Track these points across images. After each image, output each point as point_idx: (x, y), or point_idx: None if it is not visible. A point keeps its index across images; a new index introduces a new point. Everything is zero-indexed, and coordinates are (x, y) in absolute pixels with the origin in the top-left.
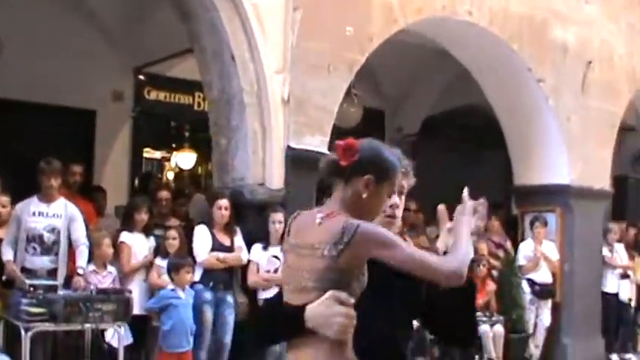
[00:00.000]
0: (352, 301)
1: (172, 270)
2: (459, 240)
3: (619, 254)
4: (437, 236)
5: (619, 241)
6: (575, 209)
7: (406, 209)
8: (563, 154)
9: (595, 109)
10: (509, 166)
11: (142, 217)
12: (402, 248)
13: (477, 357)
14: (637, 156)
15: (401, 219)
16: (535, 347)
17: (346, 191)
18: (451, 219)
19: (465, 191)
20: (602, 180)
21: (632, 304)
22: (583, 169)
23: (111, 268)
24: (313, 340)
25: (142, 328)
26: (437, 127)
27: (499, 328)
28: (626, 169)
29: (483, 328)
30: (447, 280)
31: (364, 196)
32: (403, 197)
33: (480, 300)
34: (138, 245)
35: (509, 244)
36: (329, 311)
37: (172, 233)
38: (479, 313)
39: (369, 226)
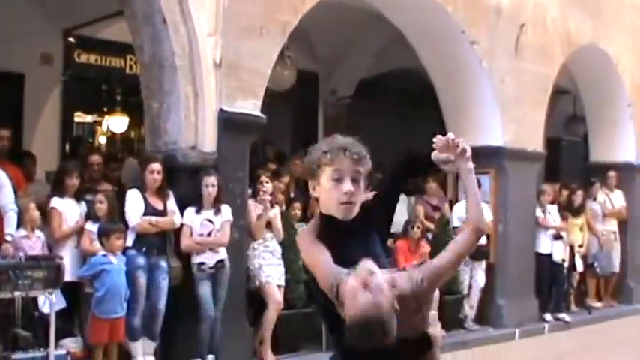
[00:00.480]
0: None
1: (103, 235)
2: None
3: (552, 215)
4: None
5: (552, 202)
6: (508, 171)
7: None
8: (497, 116)
9: (529, 71)
10: (444, 129)
11: (73, 182)
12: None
13: None
14: (570, 118)
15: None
16: (470, 308)
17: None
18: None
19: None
20: (535, 142)
21: (565, 264)
22: (516, 131)
23: (39, 233)
24: None
25: (75, 294)
26: (372, 89)
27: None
28: (559, 131)
29: None
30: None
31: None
32: (361, 183)
33: (415, 261)
34: (69, 211)
35: (446, 206)
36: None
37: (100, 197)
38: None
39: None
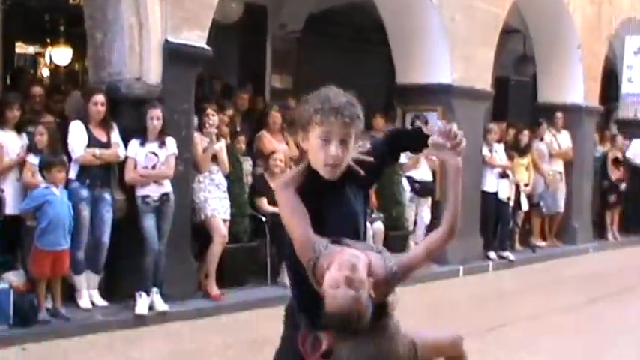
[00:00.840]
0: None
1: (44, 168)
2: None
3: (498, 154)
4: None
5: (499, 141)
6: (456, 109)
7: (287, 107)
8: (446, 53)
9: (479, 9)
10: (393, 65)
11: (14, 113)
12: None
13: None
14: (520, 58)
15: (281, 118)
16: (415, 244)
17: None
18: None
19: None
20: (483, 81)
21: (511, 203)
22: (465, 69)
23: None
24: None
25: (17, 229)
26: (321, 24)
27: (379, 225)
28: (509, 70)
29: None
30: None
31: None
32: (350, 144)
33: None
34: (10, 143)
35: None
36: None
37: (41, 129)
38: None
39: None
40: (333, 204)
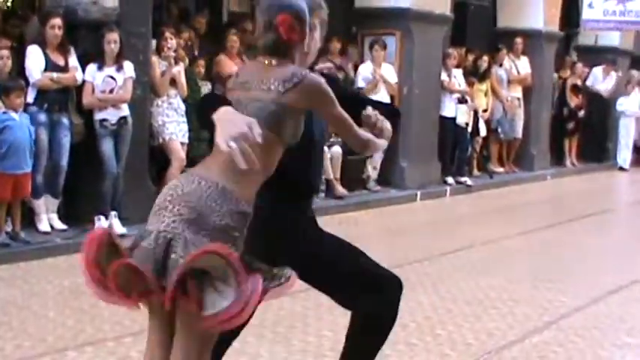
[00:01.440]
0: (259, 139)
1: (2, 93)
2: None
3: (457, 79)
4: None
5: (457, 66)
6: (414, 33)
7: (245, 30)
8: None
9: None
10: None
11: None
12: (339, 109)
13: None
14: None
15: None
16: (373, 169)
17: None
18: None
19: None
20: (442, 5)
21: (469, 129)
22: None
23: None
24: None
25: None
26: None
27: (337, 149)
28: None
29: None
30: (360, 148)
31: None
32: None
33: None
34: None
35: (349, 66)
36: (238, 119)
37: (5, 52)
38: None
39: (317, 77)
40: None
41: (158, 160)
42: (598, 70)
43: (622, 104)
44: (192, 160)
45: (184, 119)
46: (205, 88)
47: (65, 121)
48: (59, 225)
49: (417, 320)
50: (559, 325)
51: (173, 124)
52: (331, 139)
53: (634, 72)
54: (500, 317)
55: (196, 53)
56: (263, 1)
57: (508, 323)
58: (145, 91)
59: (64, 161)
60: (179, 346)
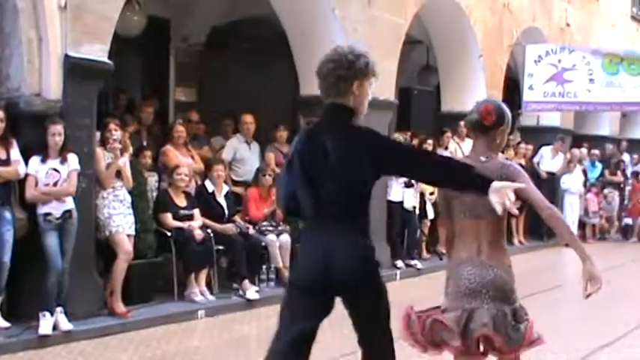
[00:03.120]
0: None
1: None
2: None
3: None
4: (221, 147)
5: None
6: (360, 120)
7: (191, 120)
8: None
9: (381, 20)
10: (297, 78)
11: None
12: (531, 184)
13: (264, 267)
14: (423, 68)
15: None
16: None
17: (491, 140)
18: None
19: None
20: (387, 91)
21: (417, 212)
22: None
23: None
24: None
25: None
26: (224, 37)
27: (285, 237)
28: (412, 81)
29: (270, 237)
30: (545, 215)
31: (498, 142)
32: None
33: (266, 209)
34: None
35: None
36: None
37: None
38: (265, 223)
39: (517, 166)
40: None
41: (105, 253)
42: (546, 150)
43: (565, 182)
44: (139, 253)
45: (130, 211)
46: (152, 179)
47: (8, 215)
48: (2, 323)
49: None
50: None
51: (119, 216)
52: (279, 228)
53: (575, 150)
54: None
55: (145, 143)
56: None
57: None
58: (90, 183)
59: (7, 257)
60: None
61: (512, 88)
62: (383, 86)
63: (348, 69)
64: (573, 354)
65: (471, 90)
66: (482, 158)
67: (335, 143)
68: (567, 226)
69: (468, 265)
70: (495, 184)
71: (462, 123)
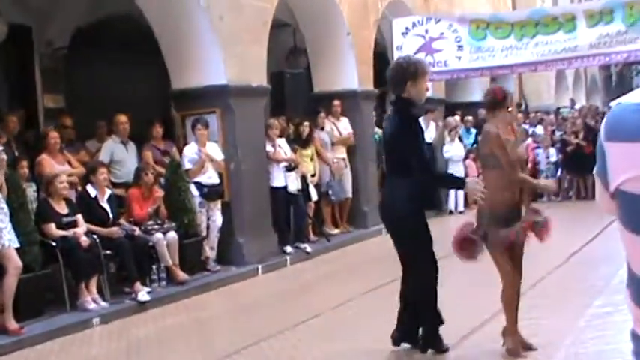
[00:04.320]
0: None
1: None
2: None
3: (282, 148)
4: (97, 150)
5: (280, 135)
6: (235, 108)
7: (63, 126)
8: (218, 54)
9: (247, 6)
10: (167, 73)
11: None
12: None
13: (153, 267)
14: (291, 51)
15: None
16: (210, 249)
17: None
18: None
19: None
20: (259, 77)
21: (302, 194)
22: (239, 67)
23: None
24: None
25: None
26: (88, 38)
27: (172, 235)
28: (282, 64)
29: (157, 236)
30: None
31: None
32: None
33: (149, 208)
34: None
35: (174, 150)
36: None
37: None
38: (150, 222)
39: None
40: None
41: None
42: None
43: (448, 151)
44: (26, 266)
45: (10, 224)
46: (30, 189)
47: None
48: None
49: None
50: None
51: (5, 229)
52: (165, 226)
53: (449, 119)
54: None
55: (16, 154)
56: None
57: None
58: None
59: None
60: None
61: (382, 62)
62: (254, 72)
63: (403, 73)
64: (476, 319)
65: (342, 68)
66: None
67: (388, 122)
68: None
69: None
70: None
71: (335, 102)
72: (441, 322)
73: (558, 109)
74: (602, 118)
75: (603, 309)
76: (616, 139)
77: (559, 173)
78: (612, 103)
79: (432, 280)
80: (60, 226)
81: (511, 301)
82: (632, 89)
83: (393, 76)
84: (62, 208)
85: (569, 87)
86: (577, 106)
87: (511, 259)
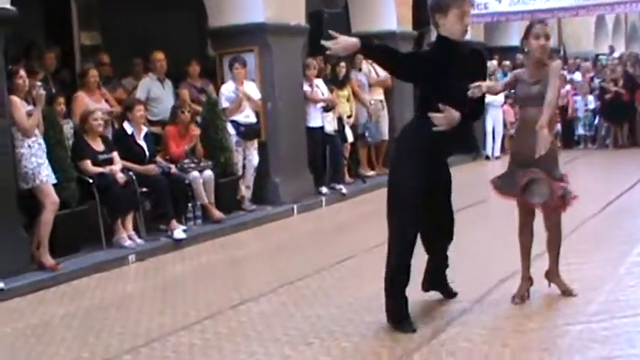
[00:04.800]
0: None
1: None
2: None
3: (320, 88)
4: (134, 87)
5: (318, 76)
6: (272, 47)
7: (100, 63)
8: None
9: None
10: (203, 9)
11: None
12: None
13: (189, 205)
14: None
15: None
16: (246, 188)
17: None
18: None
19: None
20: (297, 16)
21: (338, 135)
22: (278, 5)
23: None
24: None
25: None
26: None
27: (208, 173)
28: (320, 4)
29: (193, 174)
30: None
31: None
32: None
33: (186, 146)
34: None
35: (211, 88)
36: None
37: None
38: (186, 161)
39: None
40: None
41: (25, 205)
42: None
43: (487, 96)
44: (62, 203)
45: (47, 160)
46: (67, 126)
47: None
48: None
49: (320, 336)
50: (460, 321)
51: (44, 165)
52: (201, 164)
53: (490, 63)
54: None
55: (54, 90)
56: None
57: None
58: (5, 134)
59: None
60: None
61: (421, 4)
62: (292, 11)
63: (431, 10)
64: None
65: (380, 9)
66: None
67: None
68: None
69: None
70: None
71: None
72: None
73: (597, 55)
74: None
75: None
76: None
77: (597, 121)
78: None
79: None
80: (96, 163)
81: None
82: None
83: (428, 8)
84: (98, 145)
85: (609, 34)
86: (616, 54)
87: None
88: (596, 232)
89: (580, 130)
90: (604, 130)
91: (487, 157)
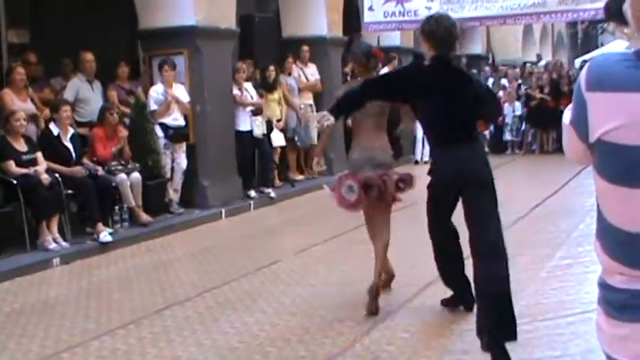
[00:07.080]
0: None
1: None
2: None
3: (249, 92)
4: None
5: (247, 79)
6: (202, 50)
7: (28, 62)
8: None
9: None
10: (135, 11)
11: None
12: None
13: (116, 208)
14: None
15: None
16: (174, 191)
17: None
18: None
19: None
20: (227, 19)
21: (266, 140)
22: (208, 9)
23: None
24: None
25: None
26: None
27: (136, 176)
28: (252, 8)
29: (120, 177)
30: None
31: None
32: None
33: (113, 148)
34: None
35: (140, 90)
36: None
37: None
38: (113, 163)
39: None
40: None
41: None
42: (385, 70)
43: None
44: None
45: None
46: None
47: None
48: None
49: (245, 341)
50: (385, 325)
51: None
52: (129, 166)
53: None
54: (328, 326)
55: None
56: None
57: (337, 330)
58: None
59: None
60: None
61: (351, 10)
62: (223, 14)
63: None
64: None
65: (311, 14)
66: None
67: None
68: None
69: None
70: None
71: (304, 48)
72: None
73: (525, 63)
74: (567, 75)
75: (564, 261)
76: (600, 89)
77: (523, 127)
78: (577, 60)
79: None
80: (19, 164)
81: None
82: (597, 47)
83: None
84: (21, 146)
85: (537, 42)
86: (542, 62)
87: None
88: (520, 237)
89: (507, 136)
90: (530, 136)
91: (416, 162)
